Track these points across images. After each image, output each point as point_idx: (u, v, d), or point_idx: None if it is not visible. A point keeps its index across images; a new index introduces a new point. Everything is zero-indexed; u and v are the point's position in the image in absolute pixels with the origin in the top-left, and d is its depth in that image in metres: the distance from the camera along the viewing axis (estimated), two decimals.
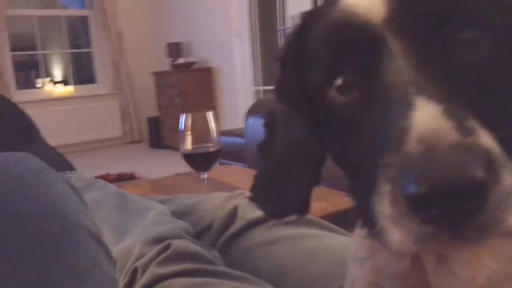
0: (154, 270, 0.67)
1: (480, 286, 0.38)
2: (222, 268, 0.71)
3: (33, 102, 4.93)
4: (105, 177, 3.62)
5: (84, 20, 5.73)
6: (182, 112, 1.25)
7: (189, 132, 1.26)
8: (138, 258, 0.70)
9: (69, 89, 5.53)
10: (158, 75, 5.27)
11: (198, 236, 0.85)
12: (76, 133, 5.30)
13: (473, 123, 0.28)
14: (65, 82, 5.68)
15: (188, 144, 1.25)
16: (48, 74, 5.68)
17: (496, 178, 0.26)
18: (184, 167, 1.31)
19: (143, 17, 5.78)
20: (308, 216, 0.86)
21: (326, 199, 1.23)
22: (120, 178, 3.62)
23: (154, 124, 5.35)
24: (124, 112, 5.63)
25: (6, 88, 4.84)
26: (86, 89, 5.63)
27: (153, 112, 5.48)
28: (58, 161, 1.21)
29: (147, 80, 5.48)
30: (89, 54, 5.81)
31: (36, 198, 0.46)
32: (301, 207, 0.43)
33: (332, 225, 0.85)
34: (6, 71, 4.95)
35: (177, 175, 1.72)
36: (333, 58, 0.35)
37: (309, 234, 0.80)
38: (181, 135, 1.25)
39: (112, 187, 1.04)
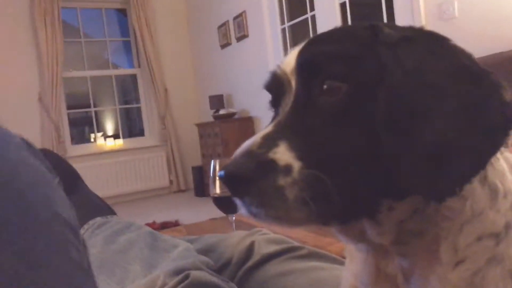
0: None
1: None
2: None
3: (86, 155, 5.27)
4: (151, 226, 3.76)
5: (133, 78, 6.14)
6: None
7: (218, 177, 1.35)
8: (160, 287, 0.79)
9: (119, 143, 5.86)
10: (201, 126, 5.51)
11: (219, 271, 0.93)
12: (125, 184, 5.56)
13: (279, 145, 0.42)
14: (116, 136, 6.02)
15: (217, 188, 1.34)
16: (101, 129, 6.06)
17: (261, 177, 0.40)
18: (223, 214, 1.40)
19: (187, 72, 6.11)
20: (321, 251, 0.93)
21: None
22: (165, 226, 3.75)
23: (199, 173, 5.51)
24: (170, 163, 5.86)
25: (63, 144, 5.20)
26: (134, 142, 5.95)
27: (197, 161, 5.68)
28: (100, 206, 1.34)
29: (191, 131, 5.73)
30: (138, 109, 6.17)
31: None
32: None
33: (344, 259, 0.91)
34: (62, 128, 5.34)
35: (211, 220, 1.82)
36: (270, 94, 0.53)
37: (320, 266, 0.87)
38: (211, 180, 1.35)
39: (146, 228, 1.15)
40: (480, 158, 0.40)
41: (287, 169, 0.41)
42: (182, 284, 0.78)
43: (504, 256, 0.44)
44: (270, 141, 0.43)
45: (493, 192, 0.46)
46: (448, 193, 0.40)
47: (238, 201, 0.44)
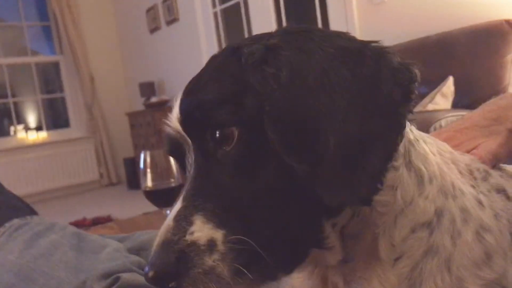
0: None
1: None
2: None
3: (5, 150, 4.89)
4: (81, 222, 3.57)
5: (56, 65, 5.77)
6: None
7: (149, 170, 1.28)
8: None
9: (42, 135, 5.50)
10: (132, 115, 5.31)
11: None
12: (51, 180, 5.25)
13: (193, 222, 0.38)
14: (39, 128, 5.65)
15: (148, 181, 1.27)
16: (21, 121, 5.66)
17: (188, 268, 0.37)
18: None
19: (114, 59, 5.85)
20: None
21: None
22: (96, 222, 3.58)
23: (131, 165, 5.33)
24: (99, 155, 5.61)
25: None
26: (59, 134, 5.61)
27: (129, 153, 5.48)
28: (18, 206, 1.22)
29: (121, 121, 5.50)
30: (62, 99, 5.82)
31: None
32: None
33: None
34: None
35: (144, 214, 1.74)
36: (174, 159, 0.51)
37: None
38: (142, 173, 1.28)
39: (71, 228, 1.05)
40: (389, 141, 0.38)
41: (211, 245, 0.38)
42: None
43: (439, 246, 0.43)
44: (183, 221, 0.39)
45: (419, 178, 0.45)
46: (371, 190, 0.38)
47: None
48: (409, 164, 0.45)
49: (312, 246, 0.42)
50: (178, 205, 0.41)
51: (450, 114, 1.73)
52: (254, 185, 0.39)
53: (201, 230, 0.38)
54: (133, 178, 5.27)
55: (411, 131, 0.47)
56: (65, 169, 5.38)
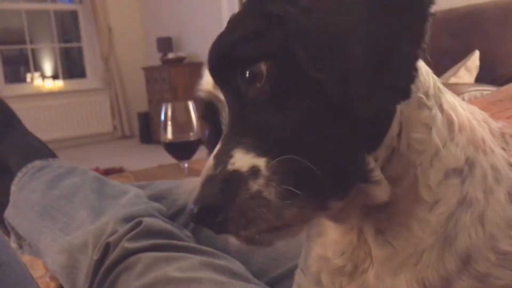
0: (125, 245, 0.71)
1: (410, 254, 0.43)
2: (191, 244, 0.75)
3: (22, 96, 4.93)
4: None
5: (74, 14, 5.72)
6: None
7: (170, 122, 1.29)
8: (110, 235, 0.74)
9: (59, 84, 5.52)
10: (148, 70, 5.29)
11: (172, 217, 0.89)
12: (65, 128, 5.31)
13: (233, 155, 0.38)
14: (55, 76, 5.67)
15: (169, 133, 1.28)
16: (38, 68, 5.67)
17: (232, 195, 0.36)
18: (172, 161, 1.34)
19: (133, 11, 5.78)
20: None
21: None
22: (109, 173, 3.63)
23: (144, 119, 5.36)
24: (113, 107, 5.64)
25: None
26: (75, 84, 5.63)
27: (143, 107, 5.49)
28: (40, 148, 1.24)
29: (137, 75, 5.49)
30: (79, 49, 5.81)
31: None
32: None
33: None
34: None
35: (160, 166, 1.76)
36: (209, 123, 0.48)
37: None
38: (162, 125, 1.29)
39: (92, 172, 1.07)
40: (416, 28, 0.38)
41: (254, 171, 0.37)
42: (133, 232, 0.73)
43: (472, 198, 0.43)
44: (223, 156, 0.38)
45: (450, 123, 0.44)
46: (408, 78, 0.37)
47: (226, 236, 0.39)
48: (440, 107, 0.44)
49: (358, 178, 0.41)
50: (217, 147, 0.40)
51: (474, 88, 1.69)
52: (291, 114, 0.39)
53: (242, 160, 0.37)
54: (146, 132, 5.31)
55: (438, 80, 0.47)
56: (79, 119, 5.43)
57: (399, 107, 0.42)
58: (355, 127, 0.39)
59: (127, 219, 0.77)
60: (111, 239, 0.73)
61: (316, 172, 0.37)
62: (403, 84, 0.37)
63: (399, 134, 0.42)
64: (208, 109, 0.46)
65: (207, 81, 0.45)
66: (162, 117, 1.29)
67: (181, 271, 0.67)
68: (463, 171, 0.43)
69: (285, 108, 0.39)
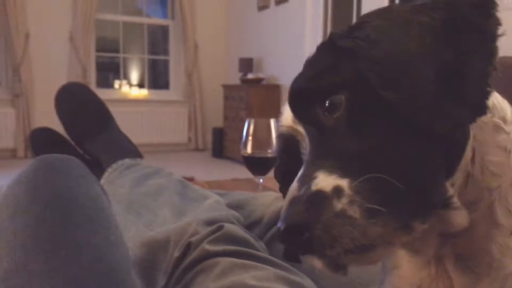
0: (205, 247, 0.74)
1: (493, 279, 0.42)
2: (267, 256, 0.76)
3: (109, 101, 5.24)
4: None
5: (165, 29, 6.07)
6: None
7: (251, 137, 1.32)
8: (192, 235, 0.77)
9: (144, 93, 5.85)
10: (227, 87, 5.45)
11: (248, 228, 0.91)
12: (144, 135, 5.57)
13: (317, 176, 0.38)
14: (140, 85, 6.01)
15: (249, 148, 1.31)
16: (126, 76, 6.05)
17: (318, 214, 0.36)
18: (242, 177, 1.37)
19: (219, 31, 6.02)
20: None
21: None
22: None
23: (219, 134, 5.51)
24: (191, 120, 5.85)
25: (88, 86, 5.21)
26: (159, 94, 5.93)
27: (218, 122, 5.66)
28: (130, 148, 1.32)
29: (216, 92, 5.68)
30: (165, 62, 6.13)
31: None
32: None
33: None
34: (89, 70, 5.34)
35: (233, 179, 1.80)
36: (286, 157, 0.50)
37: None
38: (244, 140, 1.32)
39: (176, 176, 1.12)
40: (484, 50, 0.38)
41: (338, 190, 0.37)
42: (214, 235, 0.76)
43: None
44: (306, 178, 0.39)
45: None
46: (482, 95, 0.38)
47: (311, 258, 0.39)
48: None
49: (439, 203, 0.41)
50: (300, 172, 0.41)
51: None
52: (368, 137, 0.40)
53: (325, 180, 0.38)
54: (219, 147, 5.45)
55: None
56: (158, 127, 5.68)
57: (472, 132, 0.42)
58: (431, 146, 0.39)
59: (209, 222, 0.80)
60: (193, 239, 0.76)
61: (400, 189, 0.37)
62: (477, 100, 0.37)
63: (472, 159, 0.42)
64: (288, 142, 0.47)
65: (286, 117, 0.47)
66: (245, 132, 1.33)
67: (257, 279, 0.68)
68: None
69: (363, 132, 0.40)
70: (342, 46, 0.42)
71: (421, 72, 0.38)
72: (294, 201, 0.38)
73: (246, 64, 5.32)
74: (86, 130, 1.34)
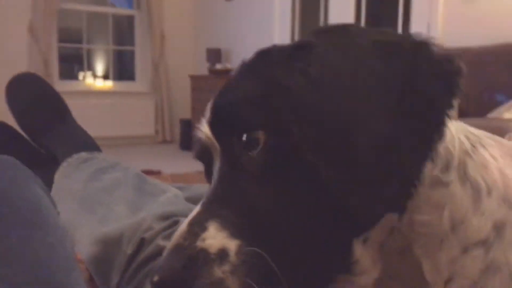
0: (159, 243, 0.71)
1: None
2: None
3: (73, 93, 5.12)
4: None
5: (130, 19, 5.93)
6: None
7: None
8: (146, 231, 0.74)
9: (109, 84, 5.71)
10: (195, 78, 5.39)
11: None
12: (110, 127, 5.45)
13: (207, 228, 0.36)
14: (105, 77, 5.87)
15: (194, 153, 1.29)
16: (90, 68, 5.89)
17: (194, 277, 0.34)
18: None
19: (187, 21, 5.92)
20: None
21: None
22: (147, 174, 3.69)
23: (186, 126, 5.44)
24: (158, 112, 5.76)
25: (50, 78, 5.03)
26: (124, 86, 5.81)
27: (186, 114, 5.59)
28: (87, 141, 1.27)
29: (184, 82, 5.60)
30: (131, 53, 6.00)
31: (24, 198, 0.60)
32: None
33: None
34: (51, 62, 5.17)
35: (198, 172, 1.78)
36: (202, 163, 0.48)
37: None
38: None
39: (133, 169, 1.09)
40: (425, 139, 0.35)
41: (222, 254, 0.35)
42: (169, 230, 0.74)
43: (500, 263, 0.39)
44: (197, 226, 0.36)
45: (476, 192, 0.40)
46: (404, 195, 0.36)
47: None
48: (464, 177, 0.40)
49: (338, 272, 0.39)
50: (196, 209, 0.39)
51: None
52: (278, 194, 0.37)
53: (214, 237, 0.35)
54: (187, 139, 5.39)
55: (467, 138, 0.43)
56: (124, 120, 5.56)
57: None
58: (345, 218, 0.36)
59: (164, 217, 0.77)
60: (146, 235, 0.73)
61: (286, 273, 0.35)
62: (398, 199, 0.36)
63: (399, 217, 0.39)
64: (202, 153, 0.45)
65: (207, 121, 0.44)
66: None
67: None
68: (487, 241, 0.39)
69: (273, 186, 0.37)
70: (278, 78, 0.38)
71: (358, 146, 0.34)
72: (175, 251, 0.36)
73: (214, 55, 5.26)
74: (40, 124, 1.28)
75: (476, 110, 2.23)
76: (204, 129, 0.44)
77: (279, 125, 0.37)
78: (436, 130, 0.35)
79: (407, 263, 0.41)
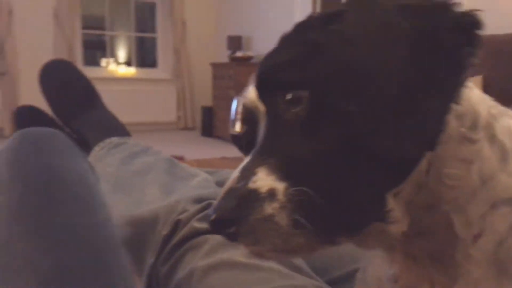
0: (194, 225, 0.73)
1: (468, 283, 0.42)
2: None
3: (96, 79, 5.16)
4: None
5: (152, 6, 5.96)
6: None
7: (239, 116, 1.31)
8: (181, 213, 0.77)
9: (131, 71, 5.77)
10: (216, 66, 5.40)
11: None
12: (132, 113, 5.49)
13: (257, 173, 0.39)
14: (128, 63, 5.93)
15: (237, 126, 1.30)
16: (113, 54, 5.96)
17: (246, 213, 0.38)
18: (232, 156, 1.37)
19: (208, 8, 5.92)
20: None
21: None
22: None
23: (208, 113, 5.48)
24: (179, 99, 5.80)
25: (74, 64, 5.12)
26: (146, 72, 5.86)
27: (207, 101, 5.62)
28: (117, 126, 1.30)
29: (205, 70, 5.63)
30: (153, 39, 6.04)
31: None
32: None
33: None
34: (75, 48, 5.24)
35: (222, 158, 1.80)
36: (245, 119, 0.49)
37: None
38: (232, 118, 1.31)
39: (164, 154, 1.12)
40: (449, 82, 0.38)
41: (272, 194, 0.38)
42: (203, 213, 0.76)
43: None
44: (247, 172, 0.40)
45: (504, 153, 0.42)
46: (435, 131, 0.38)
47: (237, 243, 0.41)
48: (492, 138, 0.42)
49: (373, 218, 0.41)
50: (246, 160, 0.42)
51: None
52: (319, 144, 0.39)
53: (263, 180, 0.39)
54: (208, 126, 5.43)
55: (495, 107, 0.45)
56: (146, 106, 5.62)
57: None
58: (379, 166, 0.39)
59: (197, 200, 0.79)
60: (181, 217, 0.75)
61: (332, 207, 0.38)
62: (427, 136, 0.38)
63: (427, 170, 0.41)
64: (249, 116, 0.47)
65: (252, 90, 0.47)
66: (233, 110, 1.31)
67: (247, 256, 0.68)
68: None
69: (315, 137, 0.40)
70: (315, 39, 0.41)
71: (387, 92, 0.37)
72: (229, 193, 0.39)
73: (235, 42, 5.26)
74: (72, 109, 1.31)
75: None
76: (250, 94, 0.47)
77: (320, 82, 0.40)
78: (459, 74, 0.38)
79: (436, 220, 0.42)
